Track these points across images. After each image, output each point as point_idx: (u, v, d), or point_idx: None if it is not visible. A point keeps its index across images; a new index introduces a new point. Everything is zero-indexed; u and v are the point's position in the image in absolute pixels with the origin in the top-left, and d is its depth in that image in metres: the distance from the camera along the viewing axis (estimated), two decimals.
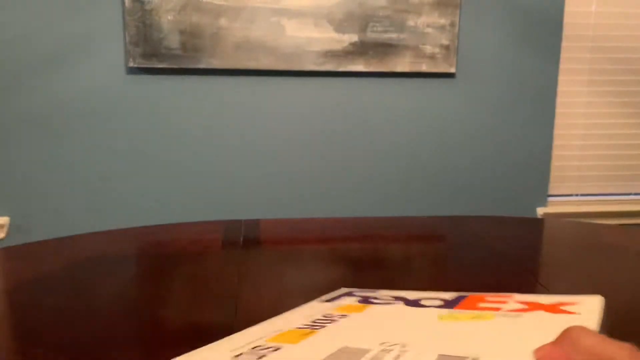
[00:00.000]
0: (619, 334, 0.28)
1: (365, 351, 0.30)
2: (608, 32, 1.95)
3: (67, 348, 0.47)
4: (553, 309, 0.36)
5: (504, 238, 0.84)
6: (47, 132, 1.72)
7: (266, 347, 0.34)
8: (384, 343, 0.32)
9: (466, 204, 1.95)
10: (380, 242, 0.82)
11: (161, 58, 1.69)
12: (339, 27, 1.75)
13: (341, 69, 1.77)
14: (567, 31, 1.92)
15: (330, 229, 0.90)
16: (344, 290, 0.53)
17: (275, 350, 0.33)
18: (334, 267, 0.71)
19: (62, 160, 1.74)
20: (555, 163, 2.00)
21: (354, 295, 0.49)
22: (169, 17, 1.67)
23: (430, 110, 1.88)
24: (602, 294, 0.37)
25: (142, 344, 0.49)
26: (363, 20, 1.76)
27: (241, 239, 0.84)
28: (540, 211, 1.97)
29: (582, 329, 0.24)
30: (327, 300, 0.49)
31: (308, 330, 0.37)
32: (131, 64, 1.68)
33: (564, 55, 1.93)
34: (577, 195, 2.04)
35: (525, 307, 0.38)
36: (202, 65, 1.71)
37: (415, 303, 0.43)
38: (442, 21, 1.79)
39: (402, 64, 1.80)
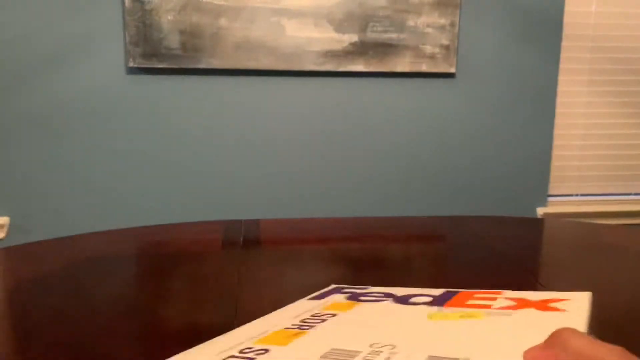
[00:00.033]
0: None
1: (355, 353, 0.30)
2: (608, 32, 1.95)
3: (67, 348, 0.47)
4: (542, 306, 0.36)
5: (504, 238, 0.84)
6: (47, 132, 1.72)
7: (255, 349, 0.33)
8: (373, 344, 0.32)
9: (466, 204, 1.95)
10: (380, 242, 0.82)
11: (161, 58, 1.69)
12: (339, 27, 1.75)
13: (341, 69, 1.77)
14: (567, 31, 1.92)
15: (330, 229, 0.90)
16: (332, 286, 0.53)
17: (264, 352, 0.32)
18: (334, 267, 0.71)
19: (62, 160, 1.74)
20: (555, 163, 2.00)
21: (343, 292, 0.49)
22: (169, 17, 1.67)
23: (430, 110, 1.88)
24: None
25: (142, 344, 0.49)
26: (363, 20, 1.76)
27: (241, 239, 0.84)
28: (540, 211, 1.97)
29: (571, 330, 0.24)
30: (316, 297, 0.48)
31: (297, 330, 0.37)
32: (131, 64, 1.68)
33: (564, 55, 1.93)
34: (577, 195, 2.04)
35: (514, 304, 0.37)
36: (202, 65, 1.71)
37: (404, 300, 0.43)
38: (442, 21, 1.79)
39: (402, 64, 1.80)
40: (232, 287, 0.63)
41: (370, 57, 1.78)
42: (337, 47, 1.76)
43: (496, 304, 0.38)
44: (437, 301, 0.41)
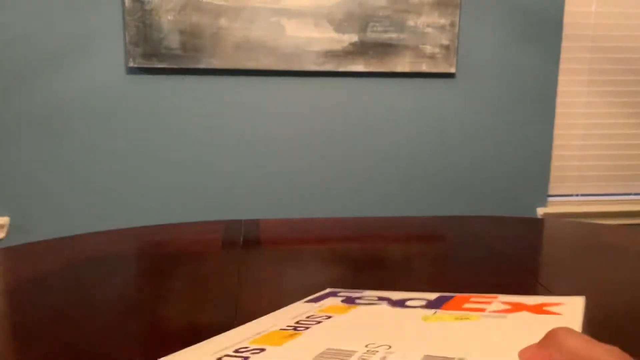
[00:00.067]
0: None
1: (351, 353, 0.30)
2: (608, 32, 1.95)
3: (67, 348, 0.47)
4: (537, 309, 0.36)
5: (504, 238, 0.84)
6: (47, 132, 1.72)
7: (250, 349, 0.33)
8: (369, 344, 0.32)
9: (466, 204, 1.95)
10: (380, 242, 0.82)
11: (161, 58, 1.69)
12: (339, 27, 1.75)
13: (341, 69, 1.77)
14: (567, 31, 1.92)
15: (330, 229, 0.90)
16: (328, 290, 0.53)
17: (259, 352, 0.32)
18: (334, 267, 0.71)
19: (62, 160, 1.74)
20: (555, 163, 2.00)
21: (338, 296, 0.49)
22: (169, 17, 1.67)
23: (430, 110, 1.88)
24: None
25: (142, 344, 0.49)
26: (363, 20, 1.76)
27: (241, 239, 0.84)
28: (540, 211, 1.97)
29: (567, 330, 0.24)
30: (311, 301, 0.48)
31: (292, 331, 0.37)
32: (131, 64, 1.68)
33: (564, 55, 1.93)
34: (577, 195, 2.04)
35: (509, 307, 0.38)
36: (202, 65, 1.71)
37: (399, 303, 0.43)
38: (442, 21, 1.79)
39: (402, 64, 1.80)
40: (232, 287, 0.63)
41: (370, 57, 1.78)
42: (337, 47, 1.76)
43: (491, 307, 0.38)
44: (433, 304, 0.41)
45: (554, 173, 2.01)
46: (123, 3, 1.66)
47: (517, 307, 0.37)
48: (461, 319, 0.36)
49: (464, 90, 1.88)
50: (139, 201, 1.79)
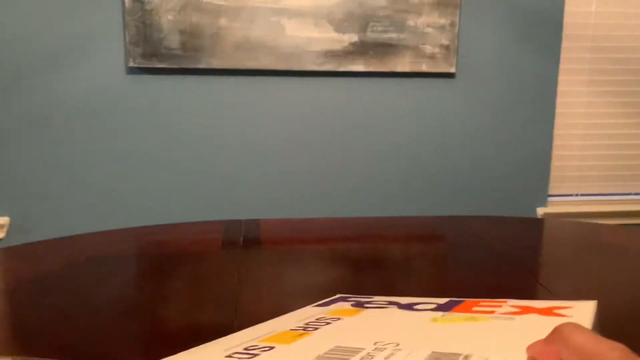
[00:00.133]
0: (619, 334, 0.28)
1: (359, 350, 0.30)
2: (608, 32, 1.95)
3: (67, 348, 0.47)
4: (546, 312, 0.36)
5: (504, 238, 0.84)
6: (47, 132, 1.72)
7: (259, 347, 0.34)
8: (377, 342, 0.32)
9: (466, 204, 1.95)
10: (380, 242, 0.82)
11: (161, 58, 1.69)
12: (339, 27, 1.75)
13: (341, 69, 1.77)
14: (567, 31, 1.92)
15: (330, 229, 0.90)
16: (338, 295, 0.53)
17: (269, 349, 0.33)
18: (334, 267, 0.71)
19: (62, 160, 1.74)
20: (555, 163, 2.00)
21: (348, 301, 0.49)
22: (169, 17, 1.67)
23: (430, 110, 1.88)
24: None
25: (142, 344, 0.49)
26: (363, 20, 1.76)
27: (241, 239, 0.84)
28: (540, 211, 1.97)
29: (574, 325, 0.24)
30: (321, 305, 0.49)
31: (301, 331, 0.37)
32: (131, 64, 1.68)
33: (564, 55, 1.93)
34: (577, 195, 2.04)
35: (518, 310, 0.38)
36: (202, 65, 1.71)
37: (408, 307, 0.43)
38: (442, 21, 1.79)
39: (402, 64, 1.80)
40: (232, 287, 0.63)
41: (370, 57, 1.78)
42: (337, 47, 1.76)
43: (500, 310, 0.38)
44: (442, 308, 0.41)
45: (554, 173, 2.01)
46: (123, 3, 1.66)
47: (526, 310, 0.37)
48: (469, 320, 0.36)
49: (464, 90, 1.88)
50: (139, 201, 1.79)
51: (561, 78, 1.95)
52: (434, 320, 0.37)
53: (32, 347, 0.48)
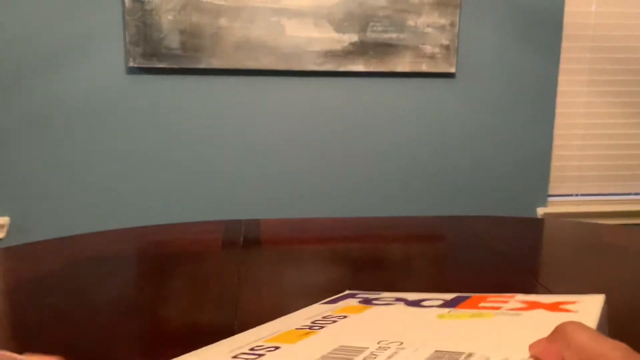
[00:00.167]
0: (619, 334, 0.28)
1: (363, 349, 0.31)
2: (608, 32, 1.95)
3: (67, 348, 0.47)
4: (552, 307, 0.36)
5: (504, 238, 0.84)
6: (47, 132, 1.72)
7: (265, 347, 0.34)
8: (381, 341, 0.32)
9: (466, 204, 1.95)
10: (380, 242, 0.82)
11: (161, 58, 1.69)
12: (339, 27, 1.75)
13: (341, 69, 1.77)
14: (567, 31, 1.92)
15: (330, 229, 0.90)
16: (346, 292, 0.53)
17: (274, 349, 0.33)
18: (334, 267, 0.71)
19: (62, 160, 1.74)
20: (555, 163, 2.00)
21: (356, 297, 0.49)
22: (169, 17, 1.67)
23: (430, 110, 1.88)
24: (602, 294, 0.37)
25: (142, 344, 0.49)
26: (363, 20, 1.76)
27: (241, 239, 0.84)
28: (540, 211, 1.97)
29: (576, 324, 0.24)
30: (329, 302, 0.49)
31: (307, 330, 0.37)
32: (131, 64, 1.68)
33: (564, 55, 1.93)
34: (577, 195, 2.04)
35: (525, 306, 0.38)
36: (202, 65, 1.71)
37: (415, 303, 0.43)
38: (442, 21, 1.79)
39: (402, 64, 1.80)
40: (232, 287, 0.63)
41: (370, 57, 1.78)
42: (337, 47, 1.76)
43: (507, 305, 0.38)
44: (449, 304, 0.41)
45: (554, 173, 2.01)
46: (123, 3, 1.66)
47: (533, 306, 0.37)
48: (475, 316, 0.36)
49: (464, 90, 1.88)
50: (139, 201, 1.79)
51: (561, 78, 1.95)
52: (440, 316, 0.37)
53: (32, 347, 0.48)
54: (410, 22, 1.78)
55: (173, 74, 1.74)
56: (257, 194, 1.84)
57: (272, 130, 1.82)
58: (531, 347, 0.26)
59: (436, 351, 0.29)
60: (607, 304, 0.38)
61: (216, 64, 1.71)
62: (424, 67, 1.81)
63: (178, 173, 1.80)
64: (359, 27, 1.76)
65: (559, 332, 0.24)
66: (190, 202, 1.81)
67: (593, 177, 2.04)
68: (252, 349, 0.33)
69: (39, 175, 1.73)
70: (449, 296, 0.45)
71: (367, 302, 0.46)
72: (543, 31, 1.88)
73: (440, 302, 0.42)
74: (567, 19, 1.91)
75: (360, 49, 1.77)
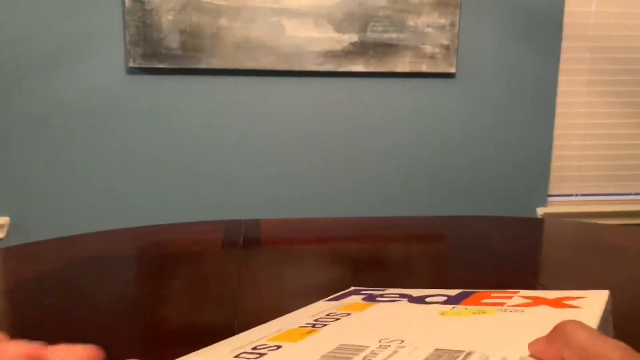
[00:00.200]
0: (619, 334, 0.28)
1: (363, 348, 0.31)
2: (608, 32, 1.95)
3: None
4: (556, 303, 0.36)
5: (504, 238, 0.84)
6: (47, 132, 1.72)
7: (267, 346, 0.34)
8: (382, 340, 0.32)
9: (466, 204, 1.95)
10: (380, 242, 0.82)
11: (161, 58, 1.69)
12: (339, 27, 1.75)
13: (341, 69, 1.77)
14: (567, 31, 1.92)
15: (330, 229, 0.90)
16: (351, 288, 0.53)
17: (276, 349, 0.33)
18: (334, 267, 0.71)
19: (62, 160, 1.74)
20: (555, 163, 2.00)
21: (360, 294, 0.49)
22: (169, 17, 1.67)
23: (430, 110, 1.88)
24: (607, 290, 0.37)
25: (142, 344, 0.49)
26: (363, 20, 1.76)
27: (241, 239, 0.84)
28: (540, 211, 1.97)
29: (575, 323, 0.24)
30: (333, 299, 0.49)
31: (309, 328, 0.37)
32: (131, 64, 1.68)
33: (564, 55, 1.93)
34: (577, 195, 2.04)
35: (529, 302, 0.38)
36: (202, 65, 1.71)
37: (419, 300, 0.43)
38: (442, 21, 1.79)
39: (402, 64, 1.80)
40: (232, 287, 0.63)
41: (370, 57, 1.78)
42: (337, 47, 1.76)
43: (511, 302, 0.38)
44: (452, 300, 0.41)
45: (554, 173, 2.01)
46: (123, 3, 1.66)
47: (537, 302, 0.37)
48: (478, 313, 0.36)
49: (464, 90, 1.88)
50: (139, 201, 1.79)
51: (561, 78, 1.95)
52: (442, 313, 0.37)
53: None
54: (410, 22, 1.78)
55: (173, 74, 1.74)
56: (257, 194, 1.84)
57: (272, 130, 1.82)
58: (530, 345, 0.26)
59: (436, 349, 0.29)
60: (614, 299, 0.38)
61: (216, 64, 1.71)
62: (424, 67, 1.81)
63: (178, 173, 1.80)
64: (359, 27, 1.76)
65: (559, 331, 0.24)
66: (190, 202, 1.81)
67: (593, 177, 2.04)
68: (254, 348, 0.33)
69: (39, 175, 1.73)
70: (453, 292, 0.45)
71: (370, 299, 0.46)
72: (543, 31, 1.88)
73: (444, 299, 0.42)
74: (567, 19, 1.91)
75: (360, 49, 1.77)
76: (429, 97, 1.87)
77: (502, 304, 0.38)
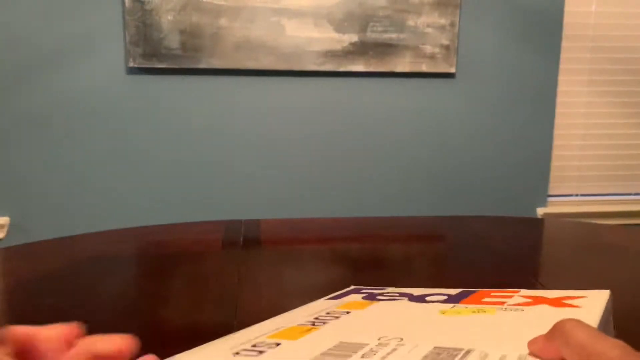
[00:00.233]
0: (619, 334, 0.28)
1: (362, 345, 0.31)
2: (608, 32, 1.95)
3: None
4: (556, 302, 0.36)
5: (504, 238, 0.84)
6: (47, 132, 1.72)
7: (266, 343, 0.34)
8: (381, 337, 0.32)
9: (466, 204, 1.95)
10: (380, 242, 0.82)
11: (161, 58, 1.69)
12: (339, 27, 1.75)
13: (341, 69, 1.77)
14: (567, 31, 1.92)
15: (330, 229, 0.90)
16: (352, 287, 0.53)
17: (275, 346, 0.33)
18: (334, 267, 0.71)
19: (62, 160, 1.74)
20: (555, 163, 2.00)
21: (361, 293, 0.49)
22: (169, 17, 1.67)
23: (430, 110, 1.88)
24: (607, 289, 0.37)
25: (142, 343, 0.49)
26: (363, 20, 1.76)
27: (241, 239, 0.84)
28: (540, 211, 1.97)
29: (575, 322, 0.24)
30: (333, 298, 0.49)
31: (309, 326, 0.37)
32: (131, 64, 1.68)
33: (564, 55, 1.93)
34: (577, 195, 2.04)
35: (529, 301, 0.38)
36: (202, 65, 1.71)
37: (419, 298, 0.43)
38: (442, 21, 1.79)
39: (402, 64, 1.80)
40: (232, 287, 0.63)
41: (370, 57, 1.78)
42: (337, 47, 1.76)
43: (511, 301, 0.38)
44: (452, 299, 0.41)
45: (554, 173, 2.01)
46: (123, 3, 1.66)
47: (537, 301, 0.37)
48: (478, 312, 0.36)
49: (464, 90, 1.88)
50: (139, 201, 1.79)
51: (561, 78, 1.95)
52: (442, 312, 0.37)
53: None
54: (410, 22, 1.78)
55: (173, 74, 1.74)
56: (257, 194, 1.84)
57: (272, 130, 1.82)
58: (530, 344, 0.26)
59: (435, 347, 0.29)
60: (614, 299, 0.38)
61: (216, 64, 1.71)
62: (424, 67, 1.81)
63: (178, 173, 1.80)
64: (359, 27, 1.76)
65: (558, 329, 0.24)
66: (190, 202, 1.81)
67: (593, 177, 2.04)
68: (253, 346, 0.33)
69: (39, 175, 1.73)
70: (453, 291, 0.45)
71: (371, 297, 0.46)
72: (543, 31, 1.88)
73: (444, 298, 0.42)
74: (567, 19, 1.91)
75: (360, 49, 1.77)
76: (429, 97, 1.87)
77: (502, 303, 0.38)
